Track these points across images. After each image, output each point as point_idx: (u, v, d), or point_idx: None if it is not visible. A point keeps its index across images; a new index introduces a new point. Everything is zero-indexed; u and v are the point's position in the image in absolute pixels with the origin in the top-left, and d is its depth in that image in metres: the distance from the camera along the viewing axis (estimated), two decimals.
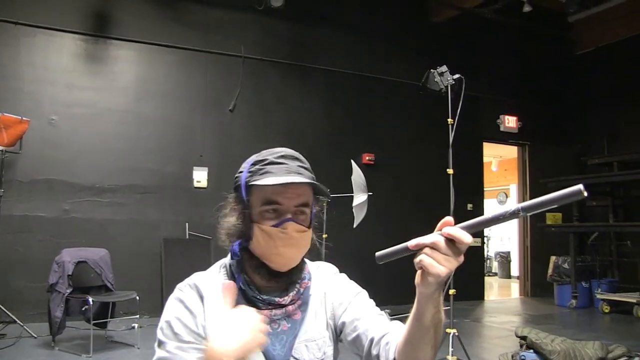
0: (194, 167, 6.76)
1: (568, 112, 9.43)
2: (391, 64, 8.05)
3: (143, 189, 6.47)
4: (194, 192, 6.72)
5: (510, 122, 8.98)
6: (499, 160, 13.39)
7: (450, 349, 4.03)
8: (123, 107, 6.49)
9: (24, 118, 5.42)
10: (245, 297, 1.20)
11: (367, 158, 7.69)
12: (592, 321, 7.12)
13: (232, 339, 0.99)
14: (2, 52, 5.96)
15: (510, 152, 10.77)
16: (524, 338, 3.99)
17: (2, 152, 5.34)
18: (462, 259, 0.94)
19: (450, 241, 0.92)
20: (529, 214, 0.88)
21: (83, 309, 4.76)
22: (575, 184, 0.83)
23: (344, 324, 1.26)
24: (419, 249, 0.95)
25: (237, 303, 1.09)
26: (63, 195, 6.08)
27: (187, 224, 6.57)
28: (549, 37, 9.18)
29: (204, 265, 1.33)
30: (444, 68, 4.51)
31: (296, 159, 1.22)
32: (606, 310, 7.45)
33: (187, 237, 6.56)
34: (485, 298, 8.83)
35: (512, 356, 4.08)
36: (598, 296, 7.64)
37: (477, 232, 0.95)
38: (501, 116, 8.92)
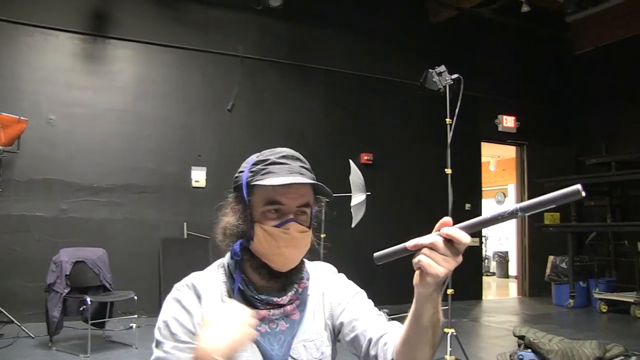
0: (193, 167, 6.75)
1: (566, 112, 9.44)
2: (390, 64, 8.05)
3: (141, 188, 6.46)
4: (193, 192, 6.71)
5: (508, 122, 8.99)
6: (497, 160, 13.41)
7: (449, 349, 4.04)
8: (121, 107, 6.48)
9: (22, 117, 5.41)
10: (244, 296, 1.20)
11: (365, 158, 7.69)
12: (590, 321, 7.13)
13: (221, 337, 1.00)
14: (1, 52, 5.94)
15: (509, 152, 10.79)
16: (521, 337, 4.00)
17: (0, 151, 5.33)
18: (460, 259, 0.94)
19: (449, 241, 0.92)
20: (527, 214, 0.88)
21: (81, 308, 4.75)
22: (574, 184, 0.83)
23: (342, 324, 1.26)
24: (417, 250, 0.95)
25: (236, 303, 1.09)
26: (61, 194, 6.07)
27: (185, 223, 6.57)
28: (547, 37, 9.20)
29: (202, 265, 1.33)
30: (442, 68, 4.51)
31: (297, 159, 1.23)
32: (604, 310, 7.46)
33: (185, 236, 6.55)
34: (483, 298, 8.84)
35: (510, 356, 4.08)
36: (596, 296, 7.65)
37: (475, 232, 0.95)
38: (499, 116, 8.92)
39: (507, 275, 12.88)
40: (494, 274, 13.54)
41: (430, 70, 4.55)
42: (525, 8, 7.58)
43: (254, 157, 1.24)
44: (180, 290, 1.20)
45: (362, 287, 1.34)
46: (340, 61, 7.74)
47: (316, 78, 7.61)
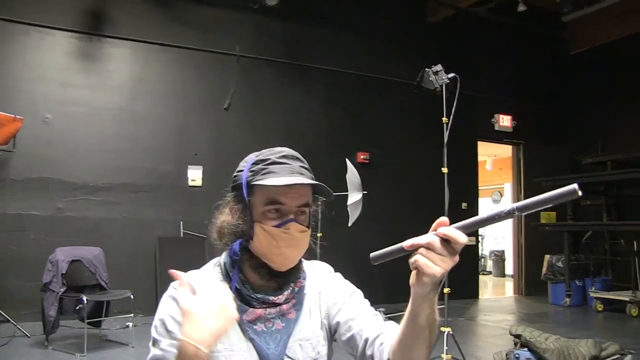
0: (189, 166, 6.74)
1: (562, 112, 9.46)
2: (387, 63, 8.04)
3: (137, 187, 6.45)
4: (189, 191, 6.71)
5: (504, 121, 9.00)
6: (494, 159, 13.42)
7: (445, 348, 4.05)
8: (117, 106, 6.46)
9: (17, 116, 5.38)
10: (240, 295, 1.20)
11: (361, 157, 7.69)
12: (586, 319, 7.15)
13: (203, 327, 0.99)
14: None
15: (505, 151, 10.80)
16: (518, 336, 4.00)
17: None
18: (457, 259, 0.94)
19: (446, 241, 0.92)
20: (523, 214, 0.88)
21: (77, 308, 4.74)
22: (570, 183, 0.83)
23: (338, 323, 1.26)
24: (414, 250, 0.95)
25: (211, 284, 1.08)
26: (57, 193, 6.05)
27: (181, 222, 6.56)
28: (544, 36, 9.21)
29: (199, 264, 1.33)
30: (438, 67, 4.51)
31: (297, 158, 1.23)
32: (599, 309, 7.48)
33: (182, 236, 6.55)
34: (480, 296, 8.85)
35: (507, 354, 4.08)
36: (592, 294, 7.67)
37: (472, 231, 0.95)
38: (496, 115, 8.94)
39: (503, 274, 12.91)
40: (490, 272, 13.56)
41: (426, 69, 4.55)
42: (521, 7, 7.60)
43: (252, 157, 1.24)
44: (177, 288, 1.19)
45: (358, 287, 1.34)
46: (337, 60, 7.73)
47: (313, 77, 7.60)
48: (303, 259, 1.30)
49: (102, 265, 5.11)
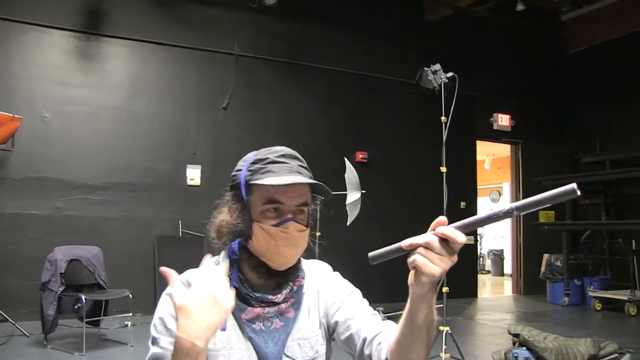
0: (188, 165, 6.74)
1: (561, 111, 9.47)
2: (386, 63, 8.04)
3: (136, 186, 6.45)
4: (187, 190, 6.70)
5: (503, 120, 9.00)
6: (492, 159, 13.43)
7: (444, 347, 4.05)
8: (116, 105, 6.46)
9: (16, 115, 5.38)
10: (238, 294, 1.20)
11: (360, 156, 7.69)
12: (584, 318, 7.16)
13: (198, 320, 0.99)
14: None
15: (504, 150, 10.81)
16: (516, 335, 4.00)
17: None
18: (455, 258, 0.94)
19: (444, 241, 0.92)
20: (522, 213, 0.88)
21: (76, 307, 4.73)
22: (568, 183, 0.83)
23: (336, 323, 1.26)
24: (412, 249, 0.94)
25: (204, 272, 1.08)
26: (56, 193, 6.04)
27: (180, 221, 6.56)
28: (542, 35, 9.21)
29: (197, 263, 1.32)
30: (437, 66, 4.50)
31: (296, 158, 1.23)
32: (598, 308, 7.49)
33: (181, 235, 6.54)
34: (479, 296, 8.86)
35: (505, 353, 4.09)
36: (590, 294, 7.68)
37: (470, 230, 0.95)
38: (494, 114, 8.93)
39: (502, 273, 12.92)
40: (489, 272, 13.57)
41: (425, 68, 4.55)
42: (520, 6, 7.61)
43: (251, 156, 1.23)
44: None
45: (357, 286, 1.33)
46: (336, 59, 7.73)
47: (312, 76, 7.60)
48: (302, 258, 1.30)
49: (101, 264, 5.10)
